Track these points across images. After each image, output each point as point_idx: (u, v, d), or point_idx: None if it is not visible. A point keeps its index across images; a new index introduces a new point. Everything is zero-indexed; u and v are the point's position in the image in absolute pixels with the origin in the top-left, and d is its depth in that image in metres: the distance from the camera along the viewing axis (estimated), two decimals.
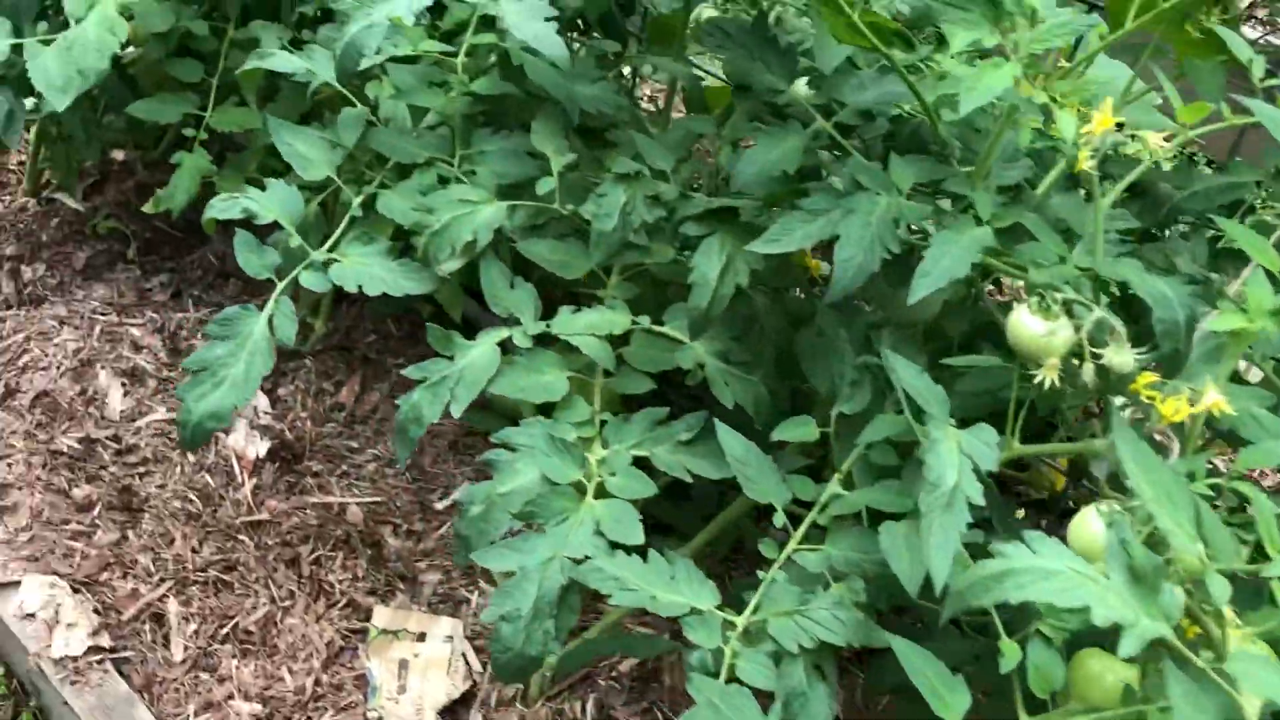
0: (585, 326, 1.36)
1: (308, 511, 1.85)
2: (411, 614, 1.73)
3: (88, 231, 2.36)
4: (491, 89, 1.50)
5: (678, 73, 1.61)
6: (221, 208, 1.45)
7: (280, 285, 1.46)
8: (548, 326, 1.39)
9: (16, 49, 1.63)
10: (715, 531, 1.58)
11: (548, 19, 1.30)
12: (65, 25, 1.87)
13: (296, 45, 1.76)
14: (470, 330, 1.46)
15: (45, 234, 2.34)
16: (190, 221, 1.97)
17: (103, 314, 2.14)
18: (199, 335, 2.12)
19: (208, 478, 1.90)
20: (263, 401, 2.04)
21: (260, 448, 1.94)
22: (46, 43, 1.64)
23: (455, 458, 1.98)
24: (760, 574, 1.20)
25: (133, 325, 2.13)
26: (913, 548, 1.10)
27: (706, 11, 1.52)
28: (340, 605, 1.74)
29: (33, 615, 1.66)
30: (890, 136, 1.36)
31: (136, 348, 2.08)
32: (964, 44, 1.18)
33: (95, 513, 1.81)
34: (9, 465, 1.87)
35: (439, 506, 1.90)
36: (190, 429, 1.39)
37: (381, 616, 1.71)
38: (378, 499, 1.89)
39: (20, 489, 1.83)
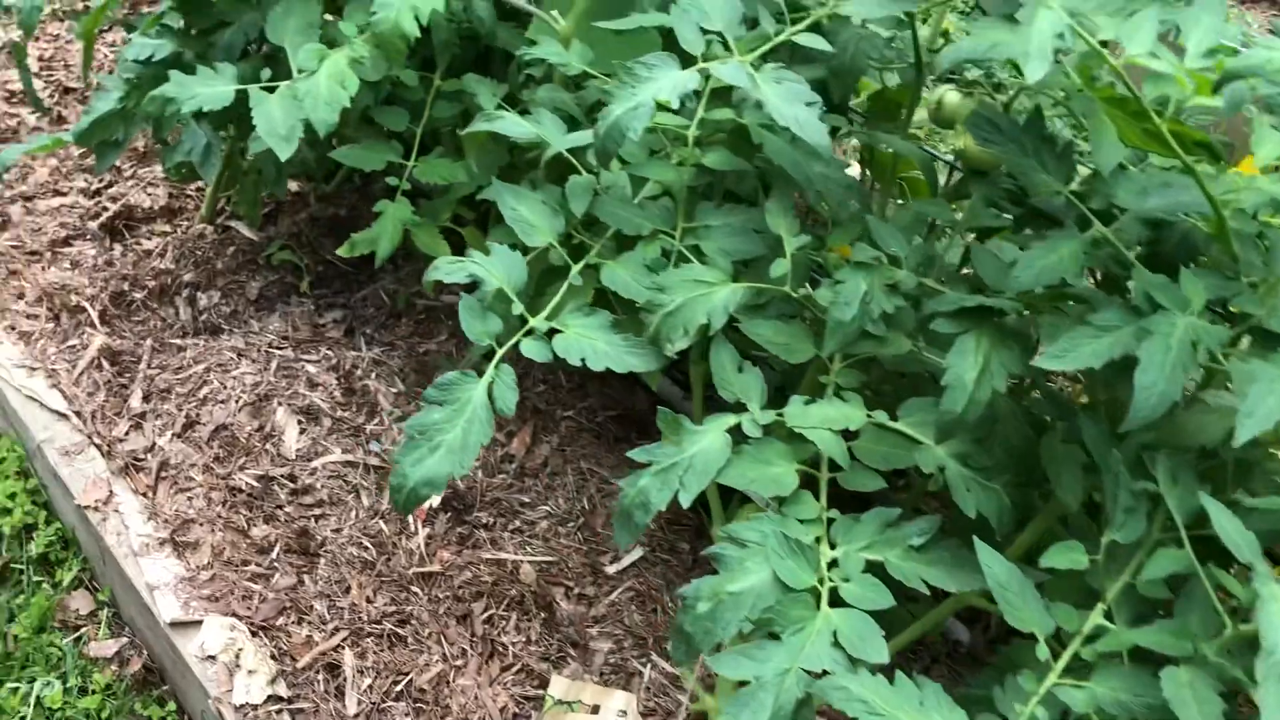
0: (821, 420, 1.28)
1: (480, 567, 1.79)
2: (587, 685, 1.65)
3: (261, 261, 2.34)
4: (724, 164, 1.43)
5: (905, 151, 1.52)
6: (448, 271, 1.39)
7: (500, 352, 1.39)
8: (779, 416, 1.31)
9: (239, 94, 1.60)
10: (919, 632, 1.48)
11: (809, 104, 1.22)
12: (269, 63, 1.85)
13: (510, 102, 1.71)
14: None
15: (221, 262, 2.32)
16: (361, 257, 1.93)
17: (279, 348, 2.11)
18: (372, 375, 2.08)
19: (381, 524, 1.85)
20: None
21: (433, 497, 1.88)
22: (269, 89, 1.60)
23: None
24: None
25: (308, 362, 2.09)
26: (1202, 700, 1.00)
27: (949, 95, 1.43)
28: (514, 669, 1.67)
29: (213, 658, 1.62)
30: (1154, 243, 1.26)
31: (312, 385, 2.04)
32: (1272, 157, 1.08)
33: (274, 554, 1.77)
34: (190, 499, 1.84)
35: (610, 570, 1.83)
36: (404, 494, 1.33)
37: (558, 686, 1.64)
38: (550, 558, 1.82)
39: (201, 525, 1.79)
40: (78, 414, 1.94)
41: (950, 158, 1.77)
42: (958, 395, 1.21)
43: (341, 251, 1.86)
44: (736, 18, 1.30)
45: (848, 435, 1.35)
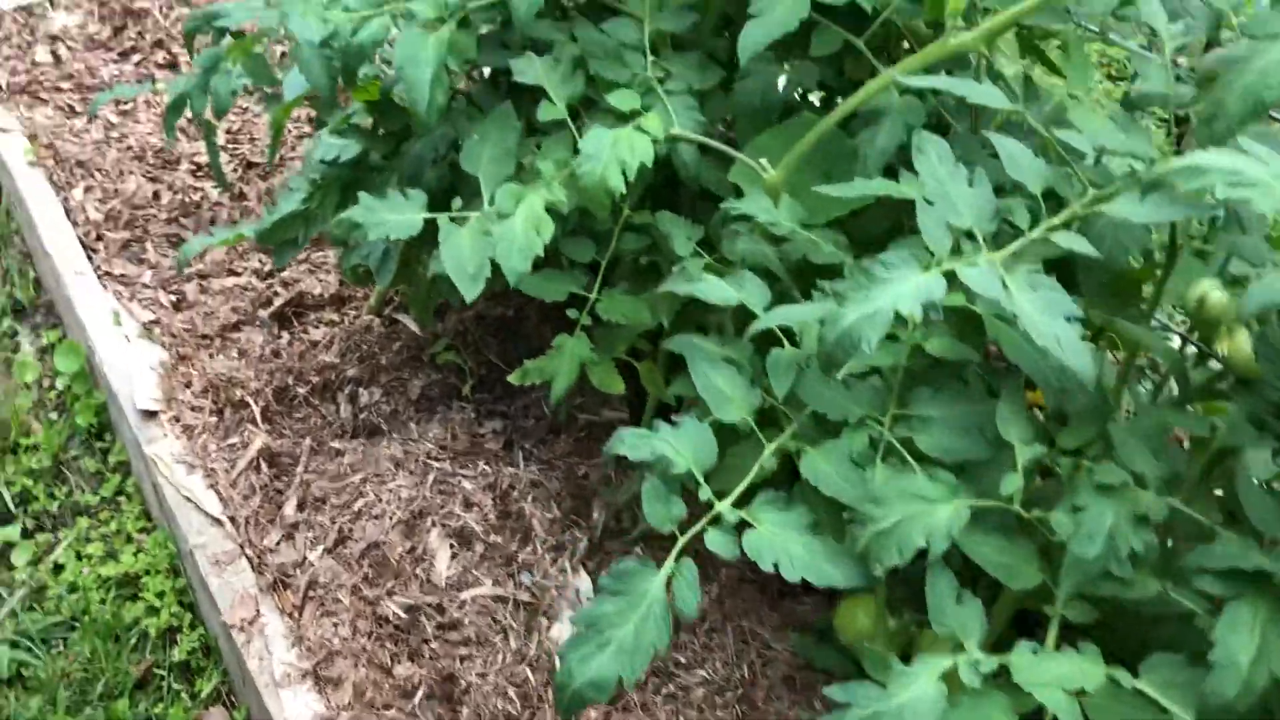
0: (1054, 677, 1.10)
1: None
2: None
3: (424, 359, 2.27)
4: (949, 352, 1.27)
5: (1152, 347, 1.33)
6: (634, 446, 1.27)
7: (681, 541, 1.26)
8: (1003, 665, 1.13)
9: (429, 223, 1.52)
10: None
11: (1069, 319, 1.06)
12: (455, 173, 1.77)
13: (704, 244, 1.59)
14: None
15: (385, 357, 2.26)
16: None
17: (436, 459, 2.02)
18: (529, 498, 1.97)
19: (528, 673, 1.72)
20: (586, 585, 1.87)
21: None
22: (458, 219, 1.51)
23: (790, 695, 1.74)
24: None
25: (465, 477, 2.00)
26: None
27: (1214, 292, 1.24)
28: None
29: None
30: None
31: (467, 504, 1.95)
32: None
33: (416, 700, 1.66)
34: (335, 625, 1.75)
35: None
36: (568, 695, 1.20)
37: None
38: None
39: (345, 658, 1.70)
40: (232, 519, 1.88)
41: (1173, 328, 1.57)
42: (1228, 679, 1.01)
43: (513, 379, 1.76)
44: (989, 212, 1.15)
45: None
